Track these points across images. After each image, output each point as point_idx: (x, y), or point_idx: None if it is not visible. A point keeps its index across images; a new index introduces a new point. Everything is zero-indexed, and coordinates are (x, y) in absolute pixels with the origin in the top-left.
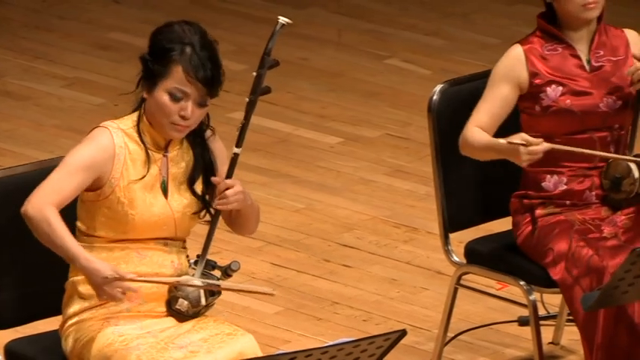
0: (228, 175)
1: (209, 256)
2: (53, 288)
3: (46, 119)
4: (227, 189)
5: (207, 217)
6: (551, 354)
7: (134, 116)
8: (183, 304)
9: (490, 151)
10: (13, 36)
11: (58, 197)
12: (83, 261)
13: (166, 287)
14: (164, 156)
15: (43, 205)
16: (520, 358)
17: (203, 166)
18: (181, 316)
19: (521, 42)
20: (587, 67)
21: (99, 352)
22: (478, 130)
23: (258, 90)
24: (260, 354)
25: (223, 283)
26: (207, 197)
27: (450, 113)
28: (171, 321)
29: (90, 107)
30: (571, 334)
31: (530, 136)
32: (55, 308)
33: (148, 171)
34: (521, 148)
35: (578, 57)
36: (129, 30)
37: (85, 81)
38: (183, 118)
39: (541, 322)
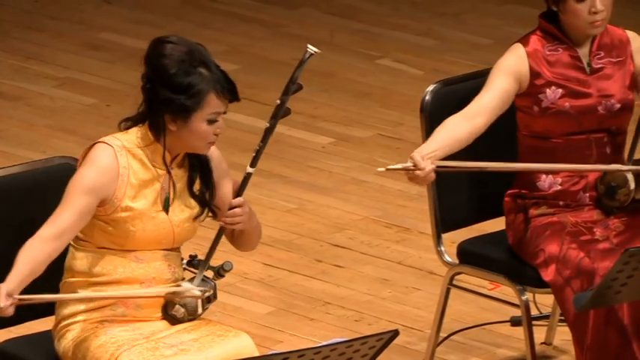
0: (239, 194)
1: (202, 256)
2: (47, 288)
3: (37, 119)
4: (237, 207)
5: (207, 220)
6: (544, 354)
7: (138, 132)
8: (179, 311)
9: None
10: (4, 36)
11: (57, 228)
12: None
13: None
14: (167, 172)
15: (34, 237)
16: (512, 358)
17: (199, 165)
18: (176, 322)
19: (523, 42)
20: (587, 69)
21: (91, 354)
22: (448, 122)
23: (279, 116)
24: (257, 354)
25: (160, 290)
26: (207, 197)
27: (442, 113)
28: (163, 324)
29: (81, 107)
30: (563, 335)
31: (527, 135)
32: (48, 308)
33: (157, 197)
34: (408, 174)
35: (578, 58)
36: (120, 30)
37: (76, 81)
38: (217, 135)
39: (533, 323)
